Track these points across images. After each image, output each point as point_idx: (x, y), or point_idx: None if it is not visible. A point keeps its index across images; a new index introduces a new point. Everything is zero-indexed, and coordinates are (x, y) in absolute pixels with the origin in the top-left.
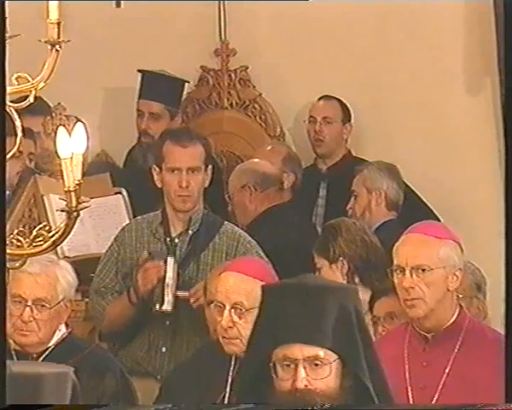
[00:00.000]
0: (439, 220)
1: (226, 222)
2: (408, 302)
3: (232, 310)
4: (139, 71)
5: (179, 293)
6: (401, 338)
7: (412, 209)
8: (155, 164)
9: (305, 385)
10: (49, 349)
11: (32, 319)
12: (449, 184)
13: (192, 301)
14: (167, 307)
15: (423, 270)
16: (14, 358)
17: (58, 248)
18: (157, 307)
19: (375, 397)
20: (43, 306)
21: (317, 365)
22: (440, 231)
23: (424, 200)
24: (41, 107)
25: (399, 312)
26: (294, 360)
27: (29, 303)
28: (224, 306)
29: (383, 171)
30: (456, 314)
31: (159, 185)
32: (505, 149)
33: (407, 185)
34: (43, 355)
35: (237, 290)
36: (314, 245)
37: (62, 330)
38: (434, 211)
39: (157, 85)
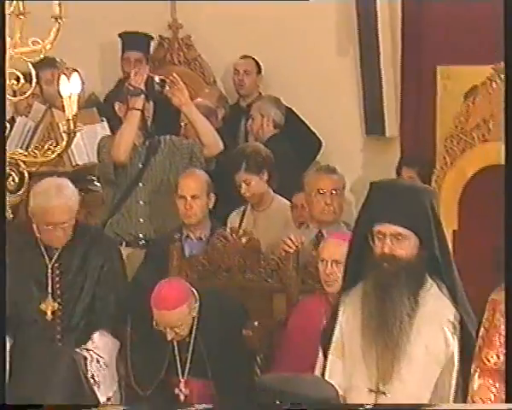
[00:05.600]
0: (318, 138)
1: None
2: None
3: None
4: (119, 35)
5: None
6: None
7: (297, 129)
8: (119, 101)
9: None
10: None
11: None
12: (325, 113)
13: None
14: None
15: None
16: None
17: (72, 158)
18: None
19: (441, 264)
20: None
21: (398, 239)
22: None
23: (307, 123)
24: (51, 62)
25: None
26: (384, 233)
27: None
28: None
29: (271, 102)
30: None
31: (120, 115)
32: (505, 148)
33: (296, 113)
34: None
35: None
36: (243, 167)
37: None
38: (314, 131)
39: (135, 40)
